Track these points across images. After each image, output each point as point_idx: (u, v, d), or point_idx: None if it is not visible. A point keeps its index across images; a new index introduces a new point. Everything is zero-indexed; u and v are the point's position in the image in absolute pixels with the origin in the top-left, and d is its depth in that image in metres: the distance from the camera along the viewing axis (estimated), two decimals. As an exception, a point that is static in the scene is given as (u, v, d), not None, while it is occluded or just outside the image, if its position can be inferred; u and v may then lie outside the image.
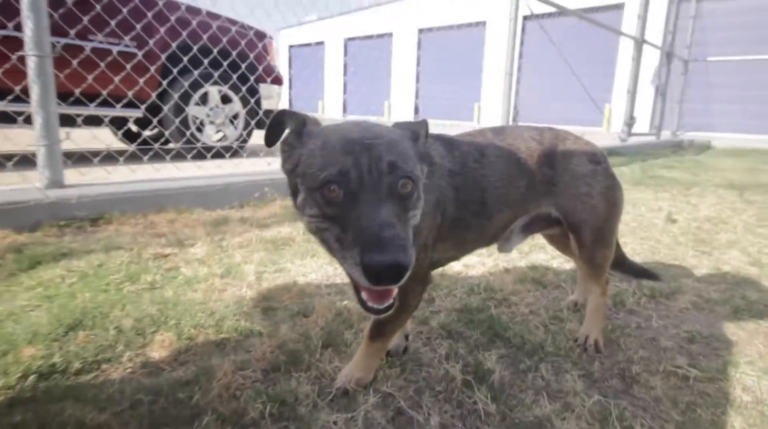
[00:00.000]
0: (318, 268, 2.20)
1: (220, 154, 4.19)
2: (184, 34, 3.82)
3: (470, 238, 1.40)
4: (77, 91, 3.12)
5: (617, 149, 8.07)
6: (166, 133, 4.11)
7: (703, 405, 1.28)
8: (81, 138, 3.39)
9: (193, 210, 3.02)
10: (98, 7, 3.23)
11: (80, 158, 3.19)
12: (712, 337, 1.67)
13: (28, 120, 2.85)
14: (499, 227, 1.45)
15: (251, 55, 4.46)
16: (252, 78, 4.51)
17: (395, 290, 0.93)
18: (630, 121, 9.01)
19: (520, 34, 14.54)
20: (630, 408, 1.27)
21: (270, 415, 1.14)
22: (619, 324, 1.74)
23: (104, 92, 3.33)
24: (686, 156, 8.41)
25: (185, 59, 3.72)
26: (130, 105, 3.73)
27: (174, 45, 3.78)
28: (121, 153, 3.51)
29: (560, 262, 2.41)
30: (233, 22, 4.53)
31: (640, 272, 1.83)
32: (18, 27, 2.68)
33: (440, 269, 2.04)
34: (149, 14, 3.62)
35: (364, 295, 0.93)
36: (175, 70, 3.77)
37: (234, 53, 4.17)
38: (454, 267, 2.25)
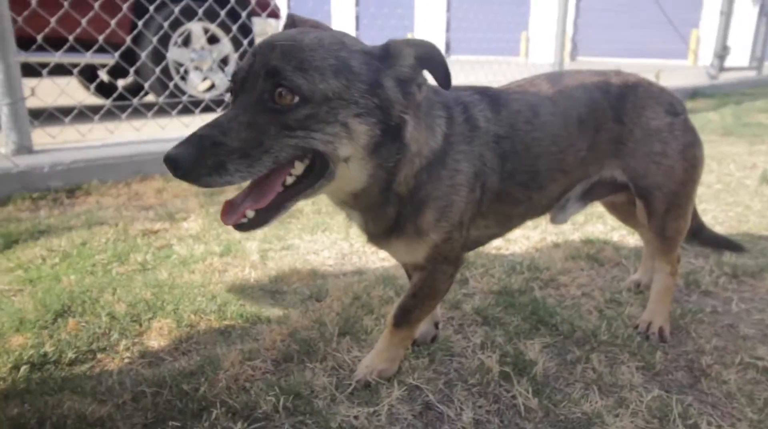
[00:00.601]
0: (331, 244, 2.32)
1: (210, 107, 4.29)
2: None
3: (517, 213, 1.46)
4: (39, 37, 3.23)
5: (704, 89, 7.88)
6: (146, 85, 4.22)
7: (783, 401, 1.35)
8: (47, 93, 3.53)
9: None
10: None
11: (48, 117, 3.35)
12: (801, 324, 1.72)
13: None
14: (552, 198, 1.51)
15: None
16: (243, 13, 4.55)
17: (240, 211, 1.03)
18: (722, 51, 8.73)
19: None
20: (696, 404, 1.35)
21: (284, 409, 1.28)
22: (691, 308, 1.81)
23: (70, 38, 3.44)
24: (794, 97, 8.14)
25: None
26: (101, 51, 3.84)
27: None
28: (94, 110, 3.65)
29: (622, 234, 2.46)
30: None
31: (720, 243, 1.88)
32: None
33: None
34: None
35: None
36: (151, 8, 3.84)
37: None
38: (492, 241, 2.33)
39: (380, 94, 1.06)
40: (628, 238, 2.42)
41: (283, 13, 4.50)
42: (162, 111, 3.91)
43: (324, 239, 2.36)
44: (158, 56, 4.31)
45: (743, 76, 9.25)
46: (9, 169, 2.82)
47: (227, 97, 4.71)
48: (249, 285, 1.91)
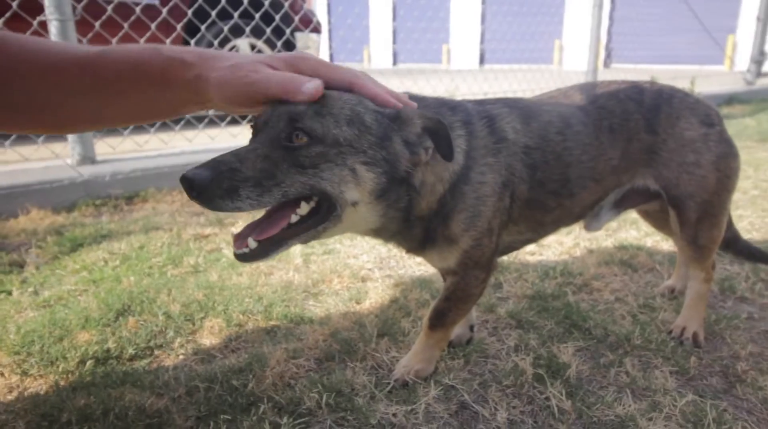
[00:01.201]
0: (369, 249, 2.35)
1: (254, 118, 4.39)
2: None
3: (549, 220, 1.46)
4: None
5: (741, 94, 7.60)
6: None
7: (822, 408, 1.31)
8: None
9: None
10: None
11: (109, 129, 3.49)
12: (842, 331, 1.65)
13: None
14: (584, 206, 1.49)
15: (286, 4, 4.58)
16: (288, 30, 4.65)
17: (248, 240, 1.03)
18: (760, 56, 8.41)
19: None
20: (731, 410, 1.32)
21: (326, 405, 1.30)
22: (726, 314, 1.76)
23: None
24: (835, 100, 7.76)
25: (213, 13, 3.90)
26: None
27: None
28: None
29: (655, 240, 2.41)
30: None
31: (754, 255, 1.82)
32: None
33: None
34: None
35: None
36: (203, 27, 3.97)
37: (266, 3, 4.30)
38: (526, 247, 2.32)
39: (388, 148, 1.08)
40: (662, 243, 2.36)
41: (324, 29, 4.58)
42: (212, 122, 4.03)
43: (363, 244, 2.39)
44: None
45: (781, 81, 8.88)
46: (74, 178, 2.96)
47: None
48: (293, 287, 1.95)
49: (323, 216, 1.07)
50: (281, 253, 1.07)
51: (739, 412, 1.31)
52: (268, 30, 4.45)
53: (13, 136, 3.10)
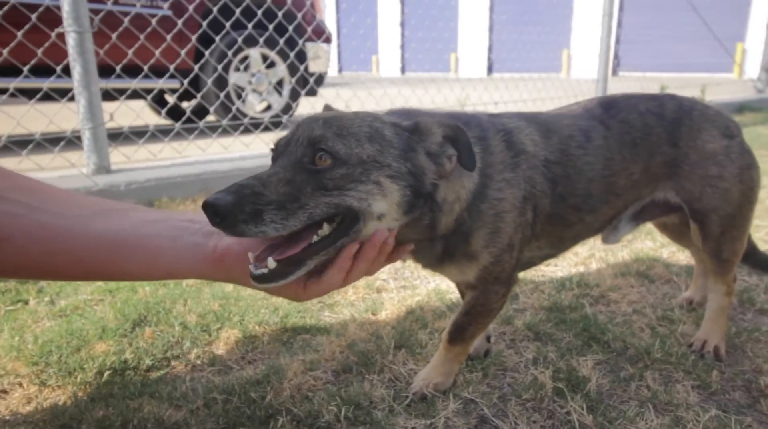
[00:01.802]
0: (384, 259, 2.33)
1: (267, 128, 4.42)
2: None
3: (570, 235, 1.44)
4: (118, 68, 3.42)
5: (752, 103, 7.55)
6: (211, 109, 4.39)
7: None
8: (122, 116, 3.71)
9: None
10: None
11: (123, 138, 3.51)
12: None
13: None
14: (604, 221, 1.48)
15: (299, 15, 4.61)
16: (300, 41, 4.68)
17: (268, 259, 0.98)
18: (770, 65, 8.35)
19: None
20: (756, 425, 1.29)
21: (345, 419, 1.29)
22: (746, 327, 1.73)
23: (145, 67, 3.62)
24: None
25: (227, 25, 3.93)
26: (163, 75, 4.02)
27: (215, 9, 3.99)
28: (162, 131, 3.82)
29: (671, 251, 2.38)
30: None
31: None
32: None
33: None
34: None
35: None
36: (217, 38, 4.01)
37: (280, 14, 4.33)
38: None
39: (413, 160, 1.07)
40: (678, 254, 2.34)
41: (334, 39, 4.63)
42: (225, 132, 4.05)
43: (377, 254, 2.38)
44: (220, 81, 4.48)
45: (793, 89, 8.80)
46: (90, 188, 2.97)
47: (284, 118, 4.86)
48: (308, 298, 1.94)
49: (343, 231, 1.04)
50: (300, 274, 1.02)
51: (764, 428, 1.29)
52: (281, 41, 4.48)
53: (30, 145, 3.12)
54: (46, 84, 3.21)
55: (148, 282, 2.05)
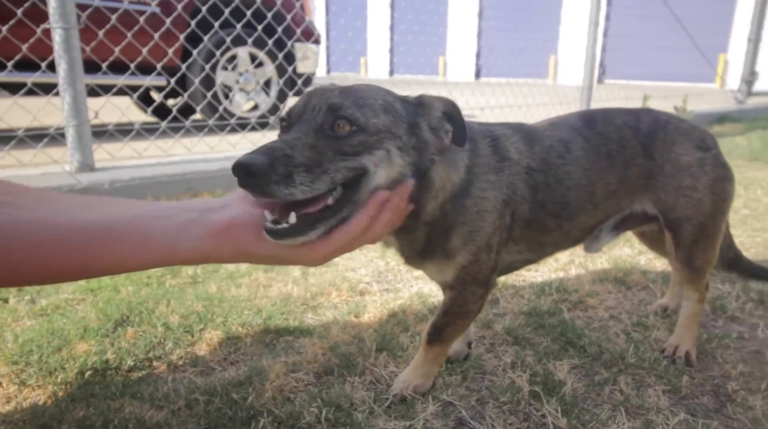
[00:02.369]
0: (367, 262, 2.36)
1: (254, 128, 4.41)
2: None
3: (549, 241, 1.48)
4: (104, 65, 3.40)
5: (732, 113, 7.70)
6: (198, 108, 4.37)
7: (811, 430, 1.33)
8: (107, 113, 3.69)
9: (229, 194, 3.25)
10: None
11: (101, 133, 3.49)
12: (831, 352, 1.68)
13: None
14: (583, 229, 1.53)
15: (288, 16, 4.61)
16: (289, 42, 4.69)
17: (290, 214, 0.97)
18: (750, 77, 8.55)
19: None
20: (722, 429, 1.34)
21: (326, 420, 1.31)
22: (717, 333, 1.78)
23: (132, 65, 3.60)
24: (823, 121, 7.88)
25: (216, 24, 3.93)
26: (150, 73, 4.00)
27: (204, 8, 3.98)
28: (148, 129, 3.80)
29: (649, 258, 2.43)
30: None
31: (759, 273, 1.85)
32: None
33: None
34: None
35: None
36: (206, 38, 4.00)
37: (269, 15, 4.33)
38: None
39: (418, 134, 1.15)
40: (655, 261, 2.39)
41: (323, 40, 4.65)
42: (211, 131, 4.04)
43: (361, 257, 2.40)
44: (208, 79, 4.47)
45: (771, 101, 9.00)
46: (73, 186, 2.95)
47: (271, 119, 4.86)
48: (291, 300, 1.96)
49: (354, 191, 1.06)
50: (318, 234, 1.02)
51: (731, 432, 1.33)
52: (270, 42, 4.48)
53: (13, 142, 3.09)
54: (30, 79, 3.18)
55: (131, 282, 2.05)
